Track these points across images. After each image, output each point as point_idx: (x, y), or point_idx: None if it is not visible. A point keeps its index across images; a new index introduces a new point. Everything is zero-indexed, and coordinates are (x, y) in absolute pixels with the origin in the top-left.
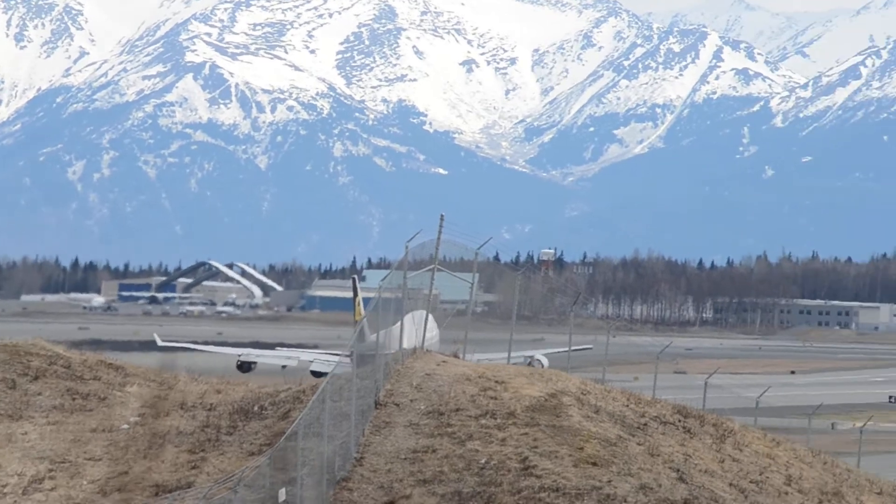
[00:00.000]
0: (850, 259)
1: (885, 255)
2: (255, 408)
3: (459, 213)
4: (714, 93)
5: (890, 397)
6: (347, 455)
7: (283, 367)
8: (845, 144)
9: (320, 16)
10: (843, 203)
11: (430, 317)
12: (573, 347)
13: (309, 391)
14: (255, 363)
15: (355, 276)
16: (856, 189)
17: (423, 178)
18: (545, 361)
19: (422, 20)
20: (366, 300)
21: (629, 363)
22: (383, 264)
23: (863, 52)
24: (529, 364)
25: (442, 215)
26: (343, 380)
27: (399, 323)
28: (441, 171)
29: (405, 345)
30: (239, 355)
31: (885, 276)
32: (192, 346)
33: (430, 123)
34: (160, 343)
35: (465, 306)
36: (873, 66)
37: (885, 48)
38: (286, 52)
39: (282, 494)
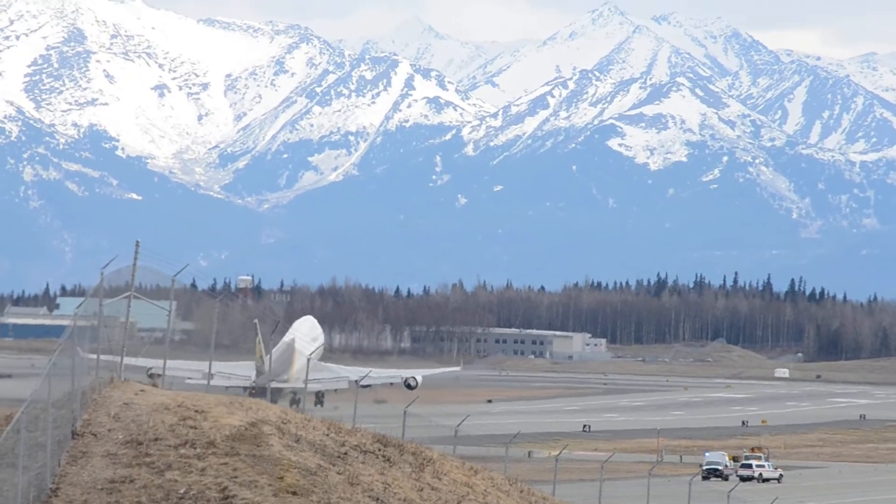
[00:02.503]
0: (543, 288)
1: (576, 284)
2: None
3: (155, 240)
4: (407, 121)
5: (584, 426)
6: (43, 486)
7: None
8: (535, 174)
9: (6, 38)
10: (534, 232)
11: (313, 321)
12: (444, 370)
13: (2, 421)
14: None
15: (257, 321)
16: (547, 218)
17: (116, 204)
18: (419, 379)
19: (112, 43)
20: (61, 328)
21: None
22: (78, 291)
23: (550, 83)
24: (406, 383)
25: (138, 241)
26: (39, 409)
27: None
28: (135, 196)
29: (302, 354)
30: None
31: (577, 305)
32: None
33: (123, 148)
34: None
35: (162, 334)
36: (560, 96)
37: (571, 79)
38: None
39: None
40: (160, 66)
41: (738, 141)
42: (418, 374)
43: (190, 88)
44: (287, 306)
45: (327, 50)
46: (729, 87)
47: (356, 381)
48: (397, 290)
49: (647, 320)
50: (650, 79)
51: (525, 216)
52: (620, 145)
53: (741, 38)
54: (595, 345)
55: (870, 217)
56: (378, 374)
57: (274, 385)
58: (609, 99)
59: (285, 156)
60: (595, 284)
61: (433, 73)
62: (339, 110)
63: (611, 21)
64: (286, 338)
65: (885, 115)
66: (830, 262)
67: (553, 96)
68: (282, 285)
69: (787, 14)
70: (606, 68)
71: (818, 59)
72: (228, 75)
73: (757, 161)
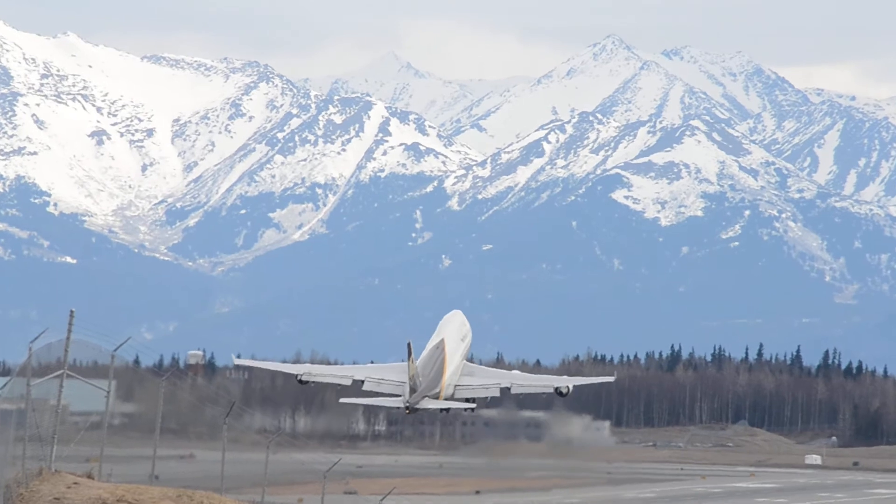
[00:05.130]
0: (538, 362)
1: (577, 357)
2: None
3: (93, 310)
4: (382, 171)
5: None
6: None
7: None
8: (529, 231)
9: None
10: (529, 298)
11: (462, 318)
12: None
13: None
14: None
15: (410, 342)
16: (543, 282)
17: (47, 268)
18: (571, 388)
19: (42, 84)
20: None
21: (293, 483)
22: (2, 370)
23: (545, 126)
24: (557, 391)
25: (72, 311)
26: None
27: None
28: (69, 259)
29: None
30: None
31: None
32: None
33: (56, 204)
34: (236, 361)
35: (100, 418)
36: (557, 141)
37: (569, 122)
38: None
39: None
40: (98, 109)
41: (762, 192)
42: (571, 381)
43: (133, 135)
44: (244, 385)
45: (290, 90)
46: (751, 130)
47: (507, 387)
48: None
49: (658, 399)
50: (660, 122)
51: (518, 280)
52: (627, 198)
53: (764, 75)
54: (598, 428)
55: None
56: (527, 379)
57: (426, 406)
58: (613, 145)
59: (242, 211)
60: (598, 358)
61: (412, 116)
62: (305, 159)
63: (615, 56)
64: (434, 340)
65: None
66: (869, 332)
67: (549, 142)
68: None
69: (816, 48)
70: (610, 110)
71: (853, 98)
72: (177, 120)
73: (784, 215)
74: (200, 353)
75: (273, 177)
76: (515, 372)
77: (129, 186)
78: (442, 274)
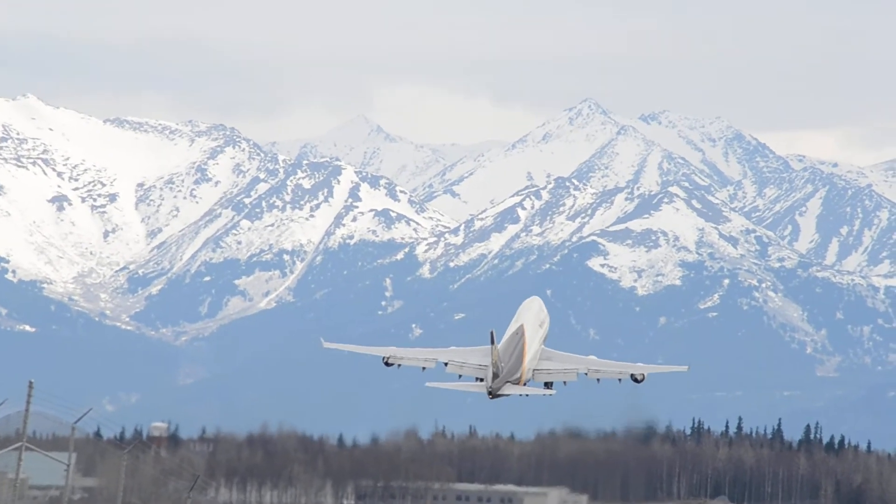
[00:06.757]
0: (512, 436)
1: (552, 430)
2: None
3: (53, 380)
4: (351, 237)
5: None
6: None
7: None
8: (503, 300)
9: None
10: None
11: (540, 304)
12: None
13: None
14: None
15: (493, 331)
16: None
17: (5, 337)
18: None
19: (1, 148)
20: None
21: None
22: None
23: (520, 192)
24: (633, 378)
25: (31, 382)
26: None
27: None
28: (27, 328)
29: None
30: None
31: (553, 455)
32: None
33: (14, 271)
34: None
35: (59, 492)
36: (532, 208)
37: (545, 187)
38: None
39: None
40: (59, 174)
41: (742, 261)
42: (646, 369)
43: (94, 200)
44: (209, 457)
45: (258, 154)
46: (731, 197)
47: (585, 373)
48: (340, 439)
49: (635, 473)
50: (638, 188)
51: None
52: (603, 266)
53: (744, 140)
54: (575, 502)
55: None
56: (603, 365)
57: (507, 392)
58: (590, 212)
59: (207, 279)
60: (574, 431)
61: (382, 182)
62: (272, 225)
63: (591, 121)
64: (513, 326)
65: None
66: (851, 405)
67: (524, 208)
68: (203, 433)
69: (798, 113)
70: (586, 176)
71: (835, 165)
72: (140, 184)
73: (764, 285)
74: (164, 424)
75: (239, 243)
76: (592, 357)
77: (91, 253)
78: (412, 343)
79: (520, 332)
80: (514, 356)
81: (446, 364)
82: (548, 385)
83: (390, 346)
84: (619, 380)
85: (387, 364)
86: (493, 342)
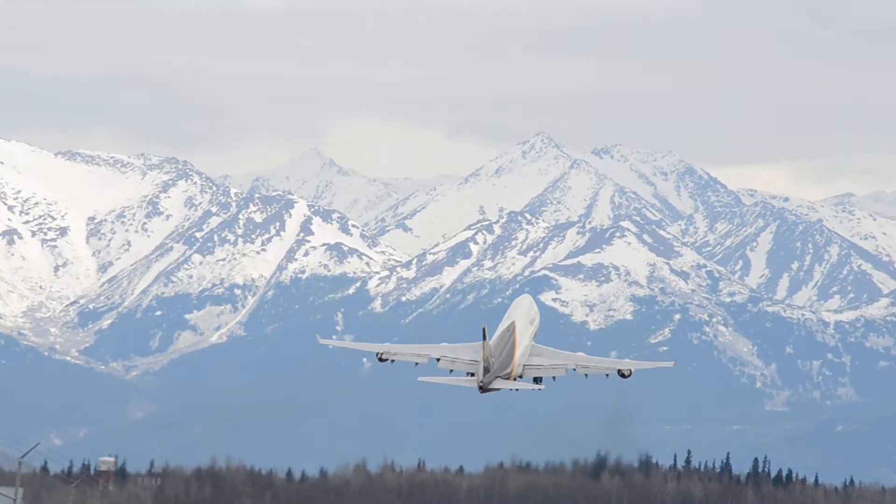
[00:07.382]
0: (461, 469)
1: (501, 464)
2: None
3: None
4: (303, 271)
5: None
6: None
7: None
8: (455, 333)
9: None
10: (454, 402)
11: (531, 301)
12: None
13: None
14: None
15: (485, 327)
16: (469, 386)
17: None
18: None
19: None
20: None
21: None
22: None
23: (472, 227)
24: (620, 373)
25: None
26: None
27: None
28: None
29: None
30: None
31: (503, 489)
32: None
33: None
34: (321, 341)
35: None
36: (484, 242)
37: (497, 222)
38: None
39: None
40: (9, 207)
41: (693, 296)
42: (633, 365)
43: (45, 234)
44: (157, 492)
45: (210, 188)
46: (682, 232)
47: (573, 368)
48: (289, 473)
49: None
50: (590, 222)
51: (442, 384)
52: (555, 300)
53: (696, 175)
54: None
55: (845, 387)
56: (592, 361)
57: (497, 386)
58: (542, 246)
59: (158, 313)
60: (524, 465)
61: (335, 216)
62: (224, 259)
63: (544, 155)
64: (505, 323)
65: (864, 268)
66: (800, 439)
67: (476, 242)
68: (151, 467)
69: (749, 148)
70: (539, 210)
71: (786, 200)
72: (91, 218)
73: (714, 320)
74: (112, 459)
75: (190, 277)
76: (580, 354)
77: (41, 287)
78: (362, 378)
79: (511, 329)
80: (504, 352)
81: (439, 360)
82: (537, 380)
83: (375, 350)
84: (607, 375)
85: (381, 360)
86: (484, 338)
